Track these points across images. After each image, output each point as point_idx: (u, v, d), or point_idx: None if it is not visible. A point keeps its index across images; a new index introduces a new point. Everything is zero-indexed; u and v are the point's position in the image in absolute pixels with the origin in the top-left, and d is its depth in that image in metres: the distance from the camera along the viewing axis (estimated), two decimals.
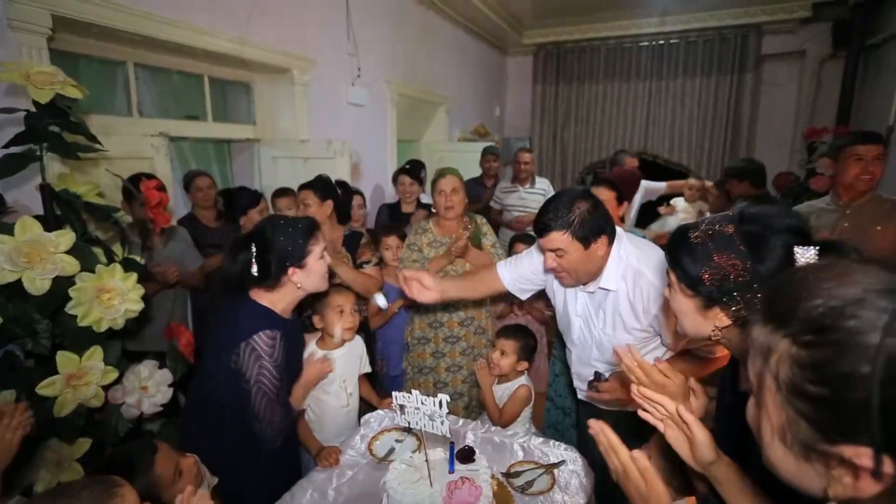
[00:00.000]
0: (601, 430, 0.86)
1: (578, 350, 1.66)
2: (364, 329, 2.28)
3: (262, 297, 1.46)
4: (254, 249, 1.41)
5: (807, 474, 0.49)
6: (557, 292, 1.67)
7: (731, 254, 0.80)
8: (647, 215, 4.08)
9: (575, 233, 1.35)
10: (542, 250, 1.46)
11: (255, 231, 1.49)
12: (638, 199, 3.67)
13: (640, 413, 0.88)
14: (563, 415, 2.32)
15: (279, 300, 1.47)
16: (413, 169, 3.29)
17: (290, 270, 1.44)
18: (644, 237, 2.09)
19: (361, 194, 2.85)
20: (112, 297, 1.44)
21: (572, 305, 1.62)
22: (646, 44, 5.58)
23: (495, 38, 5.72)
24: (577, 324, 1.62)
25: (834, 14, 4.71)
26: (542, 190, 3.82)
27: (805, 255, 0.72)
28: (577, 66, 5.92)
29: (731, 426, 0.91)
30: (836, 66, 4.80)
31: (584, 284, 1.53)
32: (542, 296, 1.82)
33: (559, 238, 1.36)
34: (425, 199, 3.51)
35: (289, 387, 1.53)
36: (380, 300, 1.77)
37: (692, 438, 0.80)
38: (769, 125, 5.34)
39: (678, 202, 3.95)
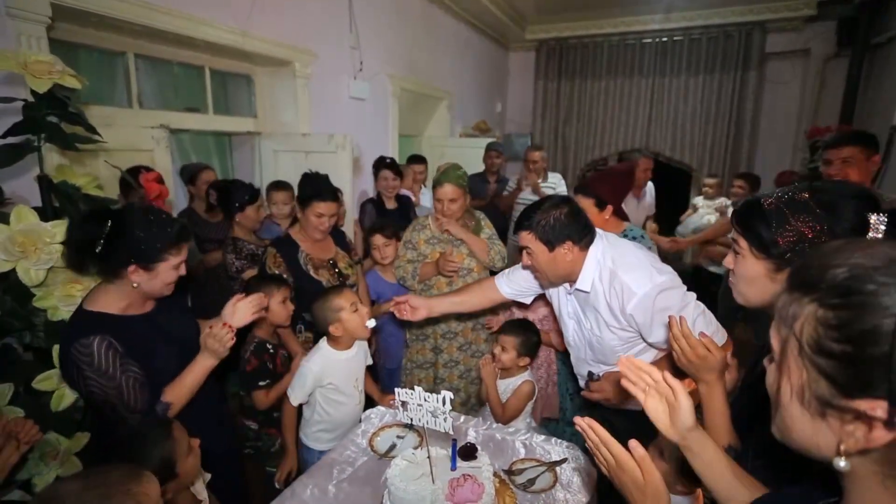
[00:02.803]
0: (589, 427, 0.86)
1: (574, 350, 1.72)
2: None
3: (96, 298, 1.29)
4: (108, 226, 1.23)
5: (820, 432, 0.52)
6: (552, 295, 1.73)
7: (807, 217, 0.86)
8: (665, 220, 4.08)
9: (539, 235, 1.45)
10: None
11: (120, 210, 1.31)
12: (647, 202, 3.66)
13: (623, 382, 0.89)
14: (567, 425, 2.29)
15: (117, 299, 1.29)
16: (394, 163, 3.20)
17: (132, 268, 1.26)
18: (643, 236, 2.08)
19: (339, 191, 2.79)
20: (75, 287, 1.40)
21: (564, 307, 1.68)
22: (649, 40, 5.55)
23: (498, 33, 5.68)
24: (570, 325, 1.68)
25: (839, 12, 4.68)
26: (552, 185, 3.80)
27: (879, 221, 0.78)
28: (580, 62, 5.89)
29: (756, 396, 0.95)
30: (841, 64, 4.77)
31: (556, 285, 1.63)
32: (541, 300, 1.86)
33: (526, 237, 1.48)
34: (404, 191, 3.47)
35: (160, 376, 1.34)
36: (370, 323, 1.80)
37: (676, 404, 0.82)
38: (772, 124, 5.32)
39: (697, 201, 3.97)
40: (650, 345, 1.54)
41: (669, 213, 4.34)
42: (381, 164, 3.23)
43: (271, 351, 1.87)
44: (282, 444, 1.90)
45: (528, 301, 1.87)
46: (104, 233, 1.23)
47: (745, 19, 5.08)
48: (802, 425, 0.54)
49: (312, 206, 2.05)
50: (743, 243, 0.94)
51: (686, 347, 1.06)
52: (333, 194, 2.12)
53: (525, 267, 1.61)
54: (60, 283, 1.38)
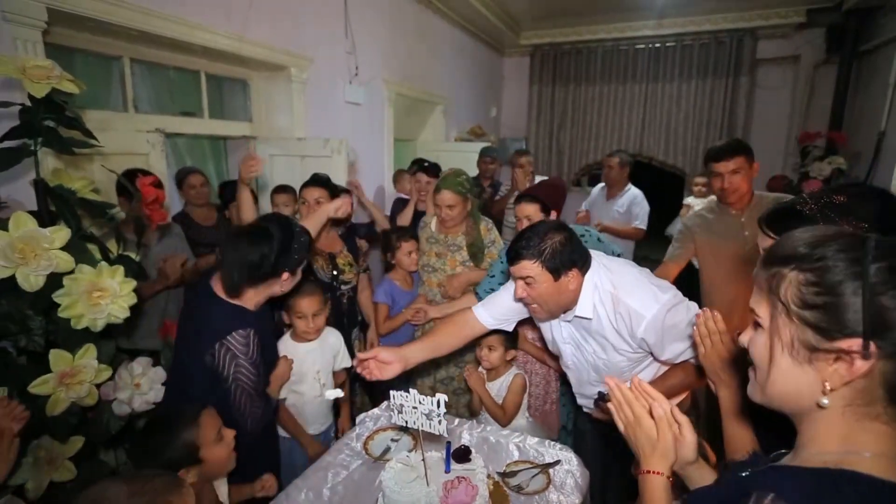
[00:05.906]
0: (616, 386, 0.89)
1: (575, 373, 1.66)
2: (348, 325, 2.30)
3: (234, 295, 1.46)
4: (275, 245, 1.43)
5: (805, 376, 0.61)
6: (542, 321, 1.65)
7: (852, 218, 0.86)
8: (661, 218, 4.08)
9: (545, 263, 1.35)
10: (514, 279, 1.45)
11: (269, 229, 1.48)
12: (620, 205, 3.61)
13: (611, 405, 0.90)
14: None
15: (253, 297, 1.48)
16: (433, 167, 3.14)
17: (285, 275, 1.49)
18: (588, 230, 2.08)
19: (348, 192, 2.79)
20: (102, 296, 1.41)
21: (558, 333, 1.61)
22: (642, 46, 5.61)
23: (492, 38, 5.72)
24: (567, 350, 1.62)
25: (828, 20, 4.76)
26: None
27: None
28: (574, 67, 5.94)
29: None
30: (830, 70, 4.84)
31: (555, 317, 1.53)
32: (530, 323, 1.78)
33: (529, 266, 1.36)
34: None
35: (267, 376, 1.57)
36: (331, 394, 1.74)
37: (681, 439, 0.84)
38: (763, 129, 5.38)
39: (690, 200, 4.02)
40: (661, 362, 1.51)
41: (667, 215, 4.38)
42: (419, 167, 3.20)
43: None
44: None
45: (510, 328, 1.73)
46: (274, 249, 1.42)
47: (736, 26, 5.15)
48: (789, 376, 0.62)
49: (301, 195, 2.23)
50: None
51: (718, 344, 1.00)
52: (317, 182, 2.24)
53: (519, 299, 1.47)
54: (84, 292, 1.38)
